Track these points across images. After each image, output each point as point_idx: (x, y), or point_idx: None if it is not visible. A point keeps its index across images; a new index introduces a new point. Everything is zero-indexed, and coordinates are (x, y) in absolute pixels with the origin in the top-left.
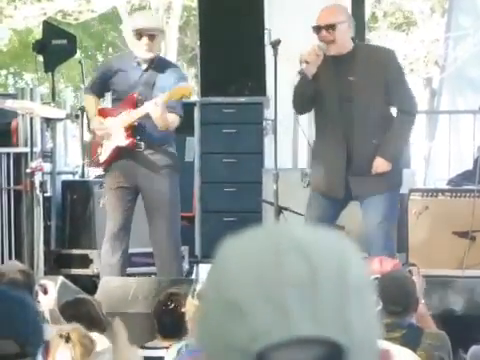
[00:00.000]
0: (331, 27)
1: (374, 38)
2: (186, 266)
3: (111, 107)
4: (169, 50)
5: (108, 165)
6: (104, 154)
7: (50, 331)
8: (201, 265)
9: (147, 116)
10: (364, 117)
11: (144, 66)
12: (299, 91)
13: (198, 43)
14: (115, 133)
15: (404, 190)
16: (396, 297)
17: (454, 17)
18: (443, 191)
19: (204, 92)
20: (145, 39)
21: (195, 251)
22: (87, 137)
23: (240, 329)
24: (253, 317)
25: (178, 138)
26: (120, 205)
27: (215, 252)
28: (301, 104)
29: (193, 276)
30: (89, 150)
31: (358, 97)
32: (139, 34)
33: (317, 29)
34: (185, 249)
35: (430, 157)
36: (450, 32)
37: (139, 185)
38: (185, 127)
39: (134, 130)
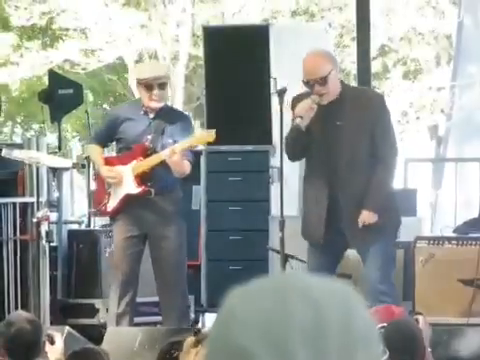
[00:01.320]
0: (323, 80)
1: (387, 87)
2: (192, 315)
3: (116, 156)
4: (175, 99)
5: (116, 213)
6: (112, 202)
7: None
8: (207, 314)
9: (161, 163)
10: (350, 162)
11: (152, 115)
12: (292, 142)
13: (204, 92)
14: (125, 181)
15: (410, 238)
16: (403, 346)
17: (460, 65)
18: (449, 239)
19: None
20: (156, 89)
21: (201, 300)
22: (93, 186)
23: None
24: None
25: (184, 186)
26: (129, 255)
27: (221, 301)
28: (293, 153)
29: (199, 325)
30: (94, 199)
31: (344, 141)
32: (149, 84)
33: (308, 83)
34: (191, 298)
35: (436, 205)
36: (456, 80)
37: (148, 232)
38: (191, 175)
39: (144, 177)
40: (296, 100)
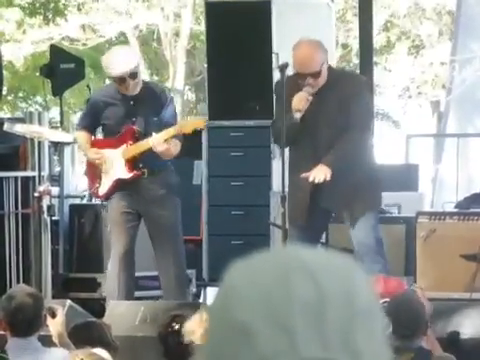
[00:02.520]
0: (317, 74)
1: (389, 63)
2: (193, 289)
3: (106, 139)
4: (177, 74)
5: (108, 197)
6: (104, 186)
7: (65, 356)
8: (208, 288)
9: (150, 149)
10: (329, 143)
11: (132, 94)
12: (286, 132)
13: (206, 67)
14: (115, 165)
15: (411, 213)
16: (406, 320)
17: (460, 40)
18: (451, 214)
19: (212, 116)
20: (128, 80)
21: (202, 274)
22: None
23: (247, 352)
24: (260, 341)
25: (186, 161)
26: (124, 229)
27: (222, 275)
28: (286, 141)
29: (201, 299)
30: (87, 183)
31: (325, 124)
32: (120, 79)
33: (301, 75)
34: (192, 272)
35: (437, 180)
36: (456, 55)
37: (142, 211)
38: (193, 150)
39: (135, 161)
40: (280, 84)
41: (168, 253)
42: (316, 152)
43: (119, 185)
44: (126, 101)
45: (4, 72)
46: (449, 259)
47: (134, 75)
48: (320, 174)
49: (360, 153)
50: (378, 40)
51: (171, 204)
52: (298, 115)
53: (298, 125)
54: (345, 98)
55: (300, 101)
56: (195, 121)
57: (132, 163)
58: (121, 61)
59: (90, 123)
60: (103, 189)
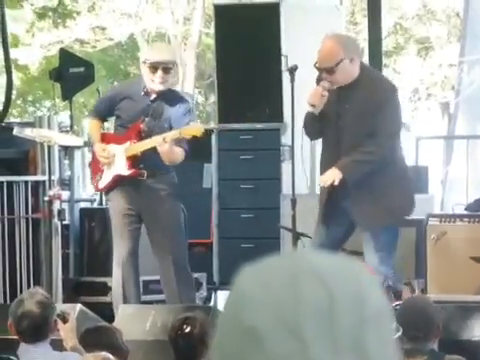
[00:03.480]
0: (330, 70)
1: (398, 65)
2: (204, 293)
3: (114, 133)
4: (187, 77)
5: (107, 192)
6: (104, 180)
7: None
8: (219, 292)
9: (153, 149)
10: (353, 145)
11: (153, 96)
12: (308, 124)
13: (215, 70)
14: (117, 161)
15: (422, 215)
16: (418, 323)
17: (469, 41)
18: (461, 216)
19: (221, 119)
20: (160, 72)
21: (213, 278)
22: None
23: (257, 357)
24: (270, 344)
25: (196, 165)
26: (126, 232)
27: (233, 279)
28: (311, 134)
29: (211, 303)
30: (90, 172)
31: (349, 125)
32: (154, 67)
33: (318, 69)
34: (203, 276)
35: (447, 181)
36: (465, 56)
37: (142, 213)
38: (203, 154)
39: (136, 159)
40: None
41: (167, 255)
42: (338, 152)
43: (118, 182)
44: (145, 99)
45: (19, 74)
46: (460, 261)
47: (167, 69)
48: (329, 178)
49: (383, 163)
50: (386, 43)
51: (171, 206)
52: (311, 109)
53: (318, 119)
54: (373, 103)
55: (313, 96)
56: (194, 128)
57: (133, 161)
58: (164, 49)
59: (105, 111)
60: (103, 182)
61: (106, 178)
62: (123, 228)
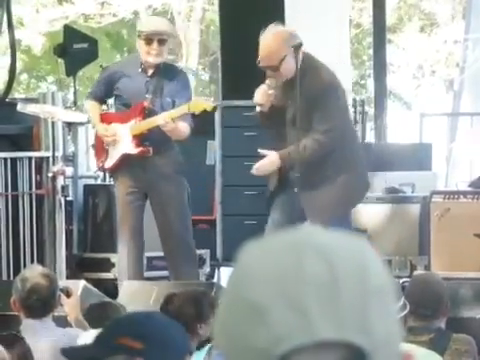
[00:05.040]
0: (276, 68)
1: (402, 42)
2: (207, 269)
3: (115, 113)
4: (190, 53)
5: (113, 171)
6: (110, 160)
7: (87, 334)
8: (222, 268)
9: (158, 126)
10: (296, 138)
11: (150, 71)
12: (263, 122)
13: (219, 46)
14: (123, 140)
15: (425, 192)
16: (426, 300)
17: (473, 19)
18: (465, 193)
19: (225, 95)
20: (155, 44)
21: (216, 254)
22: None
23: (261, 332)
24: (274, 320)
25: (199, 141)
26: (130, 209)
27: (236, 255)
28: (269, 130)
29: (214, 279)
30: (94, 154)
31: (293, 118)
32: (149, 38)
33: (262, 67)
34: (206, 252)
35: (451, 159)
36: (469, 34)
37: (148, 190)
38: (206, 130)
39: (142, 137)
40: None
41: (172, 232)
42: (284, 143)
43: (125, 160)
44: (143, 76)
45: (22, 56)
46: (463, 238)
47: (163, 41)
48: (265, 166)
49: (328, 153)
50: (390, 19)
51: (177, 183)
52: (258, 109)
53: (269, 115)
54: (310, 98)
55: (260, 95)
56: (205, 102)
57: (139, 139)
58: (158, 20)
59: (103, 93)
60: (109, 163)
61: (112, 158)
62: (128, 206)
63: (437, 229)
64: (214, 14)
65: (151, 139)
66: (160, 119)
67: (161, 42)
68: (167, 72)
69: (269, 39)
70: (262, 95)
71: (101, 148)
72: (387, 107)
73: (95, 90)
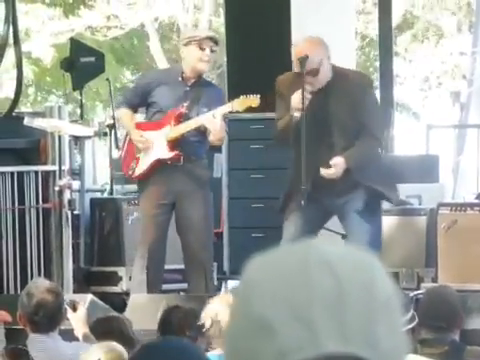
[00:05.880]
0: (316, 71)
1: (409, 54)
2: (214, 282)
3: (148, 122)
4: None
5: (144, 178)
6: (141, 167)
7: (89, 349)
8: (229, 281)
9: (197, 129)
10: (343, 146)
11: (190, 81)
12: (285, 130)
13: (225, 59)
14: (156, 146)
15: (432, 204)
16: (440, 313)
17: None
18: (472, 205)
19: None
20: (208, 50)
21: (223, 267)
22: (115, 154)
23: (268, 345)
24: (281, 334)
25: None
26: (159, 222)
27: (243, 268)
28: (284, 140)
29: (221, 292)
30: (122, 163)
31: (332, 126)
32: (203, 45)
33: (300, 73)
34: (213, 265)
35: (459, 171)
36: (477, 47)
37: (176, 199)
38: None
39: (176, 143)
40: (281, 81)
41: (197, 245)
42: (324, 152)
43: (156, 168)
44: (182, 86)
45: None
46: (470, 250)
47: (215, 50)
48: (338, 169)
49: (374, 160)
50: (397, 32)
51: (205, 194)
52: (297, 114)
53: (299, 124)
54: (354, 101)
55: (298, 100)
56: (249, 99)
57: (173, 144)
58: (208, 30)
59: (137, 100)
60: (139, 169)
61: (143, 165)
62: (154, 218)
63: (444, 241)
64: (221, 26)
65: (183, 147)
66: (203, 119)
67: (213, 50)
68: (205, 84)
69: (308, 42)
70: (300, 100)
71: (131, 156)
72: (394, 119)
73: (129, 98)
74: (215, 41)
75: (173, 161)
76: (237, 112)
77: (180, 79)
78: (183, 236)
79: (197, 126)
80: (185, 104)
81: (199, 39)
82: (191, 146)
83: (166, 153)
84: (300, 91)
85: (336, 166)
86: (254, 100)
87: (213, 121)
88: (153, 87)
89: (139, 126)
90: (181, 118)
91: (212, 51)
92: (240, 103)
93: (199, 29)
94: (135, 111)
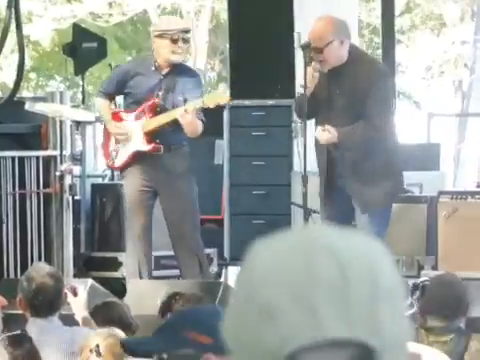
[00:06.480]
0: (319, 50)
1: (411, 42)
2: (215, 269)
3: (125, 111)
4: (199, 53)
5: (124, 169)
6: (120, 158)
7: (87, 334)
8: (230, 268)
9: (172, 122)
10: (344, 126)
11: (164, 71)
12: (299, 105)
13: (228, 46)
14: (134, 137)
15: (433, 192)
16: (446, 300)
17: None
18: (472, 193)
19: (233, 95)
20: (180, 42)
21: (224, 254)
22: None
23: (270, 331)
24: (283, 319)
25: (207, 141)
26: (142, 207)
27: (244, 255)
28: (301, 114)
29: (222, 279)
30: (103, 153)
31: (342, 109)
32: (174, 37)
33: (307, 46)
34: (214, 252)
35: (460, 159)
36: (478, 35)
37: (158, 189)
38: (214, 130)
39: (153, 134)
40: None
41: (183, 231)
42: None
43: (136, 158)
44: (156, 75)
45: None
46: (471, 238)
47: (187, 40)
48: (326, 134)
49: (375, 145)
50: (399, 20)
51: (187, 181)
52: (302, 90)
53: (308, 100)
54: (363, 87)
55: (307, 77)
56: (219, 95)
57: (151, 136)
58: (179, 20)
59: (114, 90)
60: (120, 160)
61: (123, 155)
62: (138, 204)
63: (444, 229)
64: (224, 12)
65: (162, 137)
66: (175, 112)
67: (185, 40)
68: (181, 71)
69: (321, 21)
70: (307, 77)
71: (110, 146)
72: (396, 107)
73: (106, 88)
74: (186, 30)
75: (152, 152)
76: (208, 108)
77: (153, 68)
78: (168, 223)
79: (170, 120)
80: (159, 93)
81: (170, 32)
82: (169, 135)
83: (145, 146)
84: (308, 68)
85: (329, 130)
86: (224, 97)
87: (185, 116)
88: (129, 77)
89: (116, 116)
90: (156, 108)
91: (184, 41)
92: (210, 98)
93: (172, 21)
94: (113, 100)
